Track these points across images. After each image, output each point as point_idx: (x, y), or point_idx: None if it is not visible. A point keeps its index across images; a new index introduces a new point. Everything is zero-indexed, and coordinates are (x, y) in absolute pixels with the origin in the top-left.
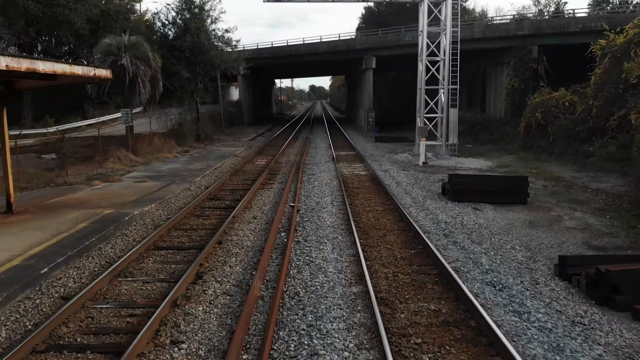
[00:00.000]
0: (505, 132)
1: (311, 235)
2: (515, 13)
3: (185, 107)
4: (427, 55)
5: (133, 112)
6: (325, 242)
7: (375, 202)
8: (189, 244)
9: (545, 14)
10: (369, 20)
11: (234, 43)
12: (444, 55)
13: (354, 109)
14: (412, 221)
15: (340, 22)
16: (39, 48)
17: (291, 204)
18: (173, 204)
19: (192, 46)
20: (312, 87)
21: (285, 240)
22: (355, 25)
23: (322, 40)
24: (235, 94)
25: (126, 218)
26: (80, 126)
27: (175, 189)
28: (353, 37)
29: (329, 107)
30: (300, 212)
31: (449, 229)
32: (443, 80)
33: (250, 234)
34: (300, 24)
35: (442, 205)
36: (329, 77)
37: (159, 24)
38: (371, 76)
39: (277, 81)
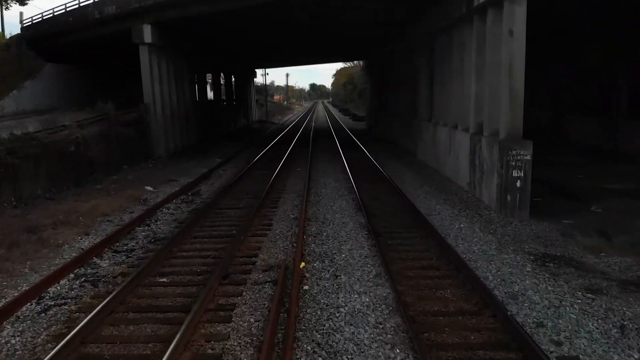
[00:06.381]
0: None
1: None
2: None
3: None
4: None
5: None
6: None
7: None
8: None
9: None
10: None
11: None
12: None
13: (391, 117)
14: None
15: None
16: None
17: None
18: None
19: None
20: (313, 86)
21: None
22: None
23: None
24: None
25: None
26: None
27: None
28: None
29: (333, 108)
30: None
31: None
32: None
33: None
34: None
35: None
36: (332, 75)
37: None
38: (522, 17)
39: (268, 76)
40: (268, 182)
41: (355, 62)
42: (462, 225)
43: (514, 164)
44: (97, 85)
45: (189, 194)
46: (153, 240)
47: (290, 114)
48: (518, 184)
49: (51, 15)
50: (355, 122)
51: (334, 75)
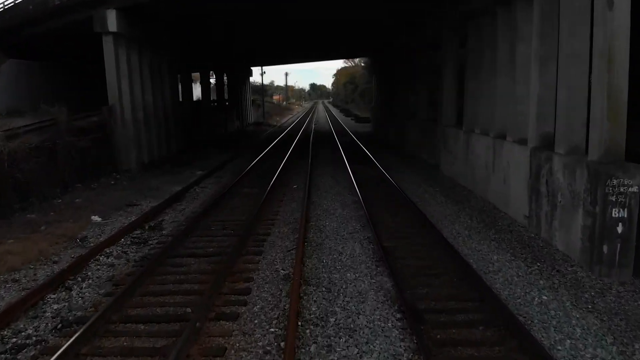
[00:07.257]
0: None
1: None
2: None
3: None
4: None
5: None
6: None
7: None
8: None
9: None
10: None
11: None
12: None
13: (403, 121)
14: None
15: None
16: None
17: None
18: None
19: None
20: (313, 86)
21: None
22: None
23: None
24: (197, 90)
25: None
26: None
27: None
28: None
29: (334, 108)
30: None
31: None
32: None
33: None
34: None
35: None
36: (332, 75)
37: None
38: None
39: (265, 75)
40: (255, 209)
41: (356, 61)
42: (543, 298)
43: (614, 198)
44: (68, 85)
45: (147, 227)
46: (61, 324)
47: (290, 115)
48: (619, 228)
49: (13, 3)
50: (358, 125)
51: (334, 74)
